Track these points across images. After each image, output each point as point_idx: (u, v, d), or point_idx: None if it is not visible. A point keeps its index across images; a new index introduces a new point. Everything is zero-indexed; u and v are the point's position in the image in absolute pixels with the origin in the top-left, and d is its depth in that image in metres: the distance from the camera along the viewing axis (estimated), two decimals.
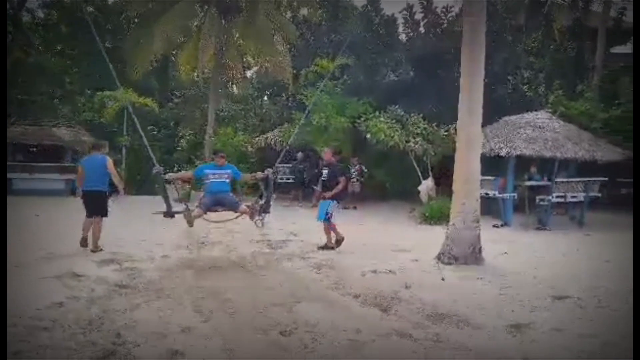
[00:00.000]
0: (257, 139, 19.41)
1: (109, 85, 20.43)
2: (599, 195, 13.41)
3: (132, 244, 8.69)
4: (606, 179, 13.50)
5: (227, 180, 7.85)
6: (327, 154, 9.29)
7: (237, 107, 23.64)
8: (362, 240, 9.79)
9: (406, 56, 16.79)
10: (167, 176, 8.01)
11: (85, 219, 7.97)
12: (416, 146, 13.75)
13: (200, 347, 4.15)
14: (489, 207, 12.89)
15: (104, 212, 8.00)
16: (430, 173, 14.20)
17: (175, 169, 21.17)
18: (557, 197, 12.84)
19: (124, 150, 18.74)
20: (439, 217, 12.62)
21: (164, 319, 4.92)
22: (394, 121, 14.28)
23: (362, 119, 14.76)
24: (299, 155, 16.95)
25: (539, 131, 12.91)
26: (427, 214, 12.74)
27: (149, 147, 8.14)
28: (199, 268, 7.23)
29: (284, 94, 21.27)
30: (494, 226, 12.35)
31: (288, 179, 17.14)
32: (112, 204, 8.40)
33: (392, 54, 17.00)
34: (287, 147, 12.72)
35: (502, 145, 12.54)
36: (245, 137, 18.79)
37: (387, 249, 9.06)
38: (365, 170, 15.63)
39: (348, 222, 12.13)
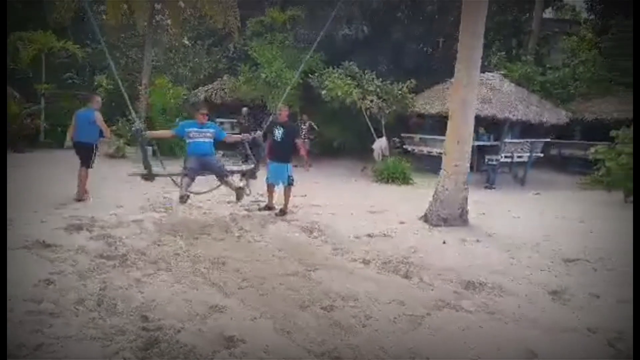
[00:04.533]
0: (195, 91, 18.31)
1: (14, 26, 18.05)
2: (542, 155, 14.13)
3: (90, 206, 7.81)
4: (548, 139, 14.22)
5: (211, 141, 7.16)
6: (283, 112, 8.41)
7: (166, 57, 22.00)
8: (333, 201, 9.58)
9: (359, 11, 16.27)
10: (146, 134, 7.09)
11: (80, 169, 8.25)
12: (372, 104, 13.54)
13: (249, 328, 3.70)
14: (440, 166, 13.14)
15: (87, 164, 8.24)
16: (383, 132, 14.13)
17: None
18: (505, 156, 13.35)
19: (42, 100, 16.69)
20: (394, 175, 12.69)
21: (180, 296, 4.37)
22: (348, 78, 13.92)
23: (316, 74, 14.24)
24: (244, 110, 16.13)
25: (493, 92, 13.20)
26: (384, 173, 12.70)
27: (128, 98, 7.12)
28: (183, 234, 6.58)
29: (219, 45, 20.12)
30: None
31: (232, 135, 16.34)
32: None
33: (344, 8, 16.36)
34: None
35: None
36: (183, 89, 17.53)
37: (363, 209, 8.89)
38: (316, 128, 15.24)
39: (301, 180, 11.83)
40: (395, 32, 15.74)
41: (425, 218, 7.74)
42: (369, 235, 6.90)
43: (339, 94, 13.28)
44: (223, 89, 17.54)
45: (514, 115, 12.80)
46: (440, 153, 13.36)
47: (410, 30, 15.69)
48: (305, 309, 4.17)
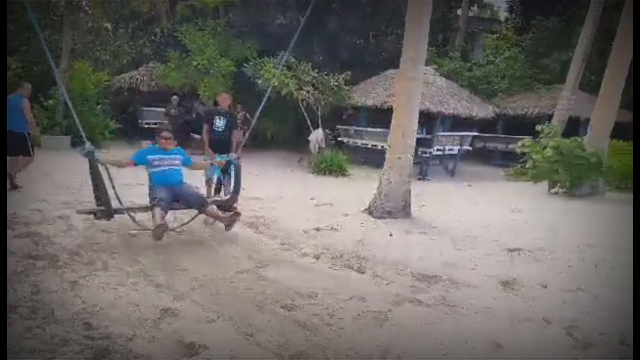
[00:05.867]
0: (118, 77, 17.31)
1: None
2: (470, 148, 14.67)
3: (9, 201, 7.09)
4: (476, 133, 14.78)
5: (181, 168, 6.13)
6: (225, 99, 7.91)
7: (85, 40, 20.61)
8: (272, 193, 9.40)
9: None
10: (100, 158, 5.55)
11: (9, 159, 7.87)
12: (308, 95, 13.39)
13: (207, 332, 3.44)
14: (375, 158, 13.24)
15: (25, 152, 8.02)
16: (320, 123, 14.04)
17: None
18: (438, 149, 13.72)
19: None
20: (331, 167, 12.68)
21: (125, 299, 4.01)
22: (285, 68, 13.66)
23: (251, 63, 13.87)
24: (174, 98, 15.42)
25: (426, 86, 13.43)
26: (322, 165, 12.64)
27: (75, 115, 5.94)
28: (118, 232, 6.10)
29: (145, 29, 19.12)
30: None
31: (161, 124, 15.58)
32: None
33: None
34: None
35: (394, 97, 12.80)
36: (104, 75, 16.47)
37: (305, 202, 8.79)
38: (251, 119, 14.82)
39: None
40: (330, 23, 15.64)
41: (369, 210, 7.73)
42: (316, 229, 6.77)
43: (276, 83, 12.98)
44: (150, 76, 16.70)
45: (445, 109, 13.15)
46: (375, 145, 13.63)
47: (345, 22, 15.69)
48: (264, 308, 3.96)
